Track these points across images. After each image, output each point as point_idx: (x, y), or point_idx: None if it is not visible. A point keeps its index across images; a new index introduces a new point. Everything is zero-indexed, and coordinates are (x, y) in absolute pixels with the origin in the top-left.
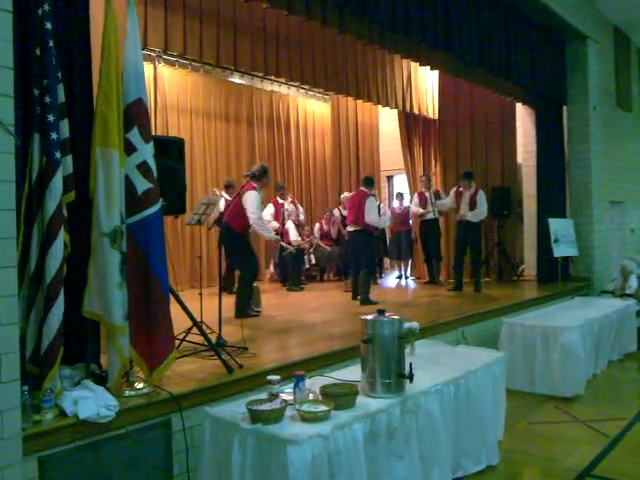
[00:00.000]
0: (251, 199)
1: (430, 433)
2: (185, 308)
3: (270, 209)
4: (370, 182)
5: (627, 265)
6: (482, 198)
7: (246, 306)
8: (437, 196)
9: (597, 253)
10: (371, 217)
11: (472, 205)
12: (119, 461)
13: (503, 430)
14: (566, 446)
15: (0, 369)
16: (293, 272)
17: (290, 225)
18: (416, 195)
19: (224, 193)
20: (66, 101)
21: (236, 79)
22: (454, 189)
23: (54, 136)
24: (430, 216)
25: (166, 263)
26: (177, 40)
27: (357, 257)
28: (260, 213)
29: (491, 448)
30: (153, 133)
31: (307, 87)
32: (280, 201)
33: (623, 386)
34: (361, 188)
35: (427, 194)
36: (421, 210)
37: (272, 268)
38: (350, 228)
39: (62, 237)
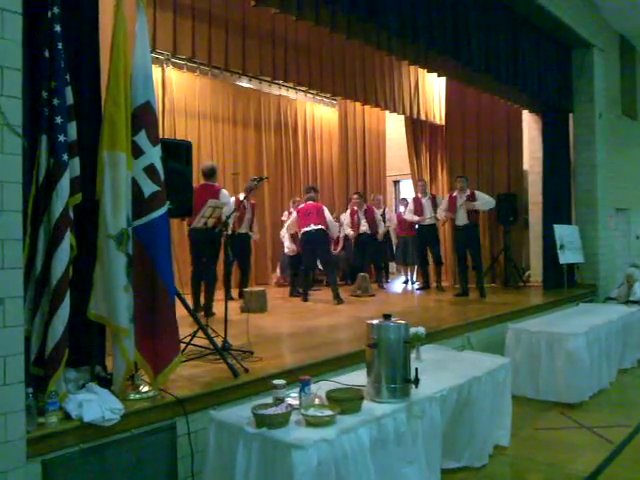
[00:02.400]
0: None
1: (430, 437)
2: (190, 311)
3: None
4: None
5: (632, 273)
6: (480, 194)
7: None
8: (434, 202)
9: (602, 260)
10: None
11: (469, 209)
12: (123, 465)
13: (509, 436)
14: (571, 452)
15: (5, 371)
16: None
17: (285, 235)
18: (411, 201)
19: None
20: (74, 103)
21: (244, 83)
22: (447, 196)
23: (62, 138)
24: (427, 222)
25: (172, 266)
26: (186, 43)
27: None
28: None
29: (478, 450)
30: (161, 136)
31: (315, 92)
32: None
33: (629, 393)
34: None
35: (423, 200)
36: (416, 218)
37: (278, 272)
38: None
39: (68, 239)
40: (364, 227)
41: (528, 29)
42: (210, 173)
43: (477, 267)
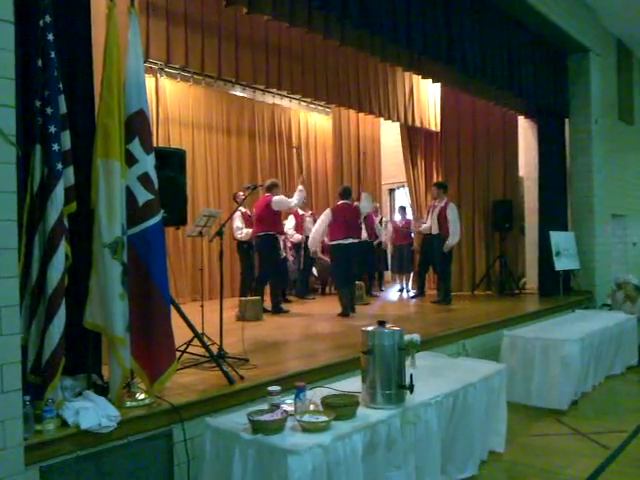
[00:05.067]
0: None
1: (426, 444)
2: (186, 319)
3: (292, 221)
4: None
5: (628, 280)
6: (453, 214)
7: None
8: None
9: (598, 266)
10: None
11: (441, 220)
12: (120, 472)
13: (504, 442)
14: (566, 458)
15: (2, 379)
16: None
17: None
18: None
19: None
20: (67, 112)
21: (238, 92)
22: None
23: (55, 147)
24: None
25: (167, 274)
26: (179, 52)
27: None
28: None
29: (477, 457)
30: (155, 145)
31: (309, 100)
32: (300, 212)
33: (623, 399)
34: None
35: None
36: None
37: None
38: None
39: (63, 248)
40: (364, 234)
41: (523, 34)
42: (270, 187)
43: (440, 273)
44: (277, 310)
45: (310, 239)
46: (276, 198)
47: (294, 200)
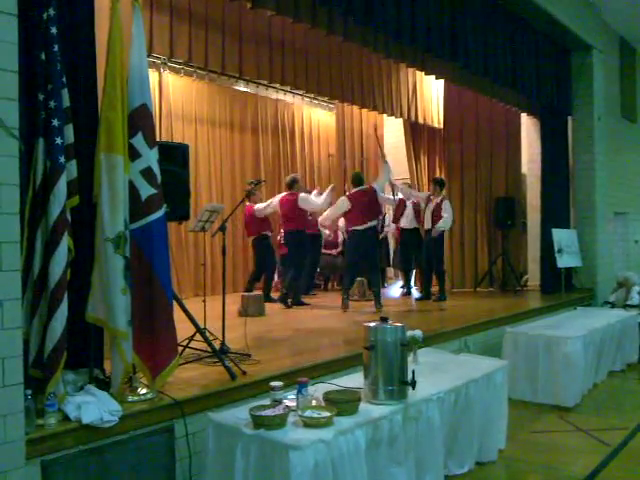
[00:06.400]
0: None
1: (428, 440)
2: (188, 314)
3: None
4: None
5: (630, 277)
6: (446, 206)
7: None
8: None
9: (600, 264)
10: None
11: (435, 216)
12: (122, 466)
13: (505, 439)
14: (568, 455)
15: (3, 373)
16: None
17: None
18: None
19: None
20: (71, 106)
21: (241, 87)
22: (428, 193)
23: (59, 141)
24: (407, 225)
25: (169, 268)
26: (182, 47)
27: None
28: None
29: (479, 452)
30: (157, 140)
31: (312, 95)
32: None
33: (624, 396)
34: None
35: (407, 202)
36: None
37: (276, 277)
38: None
39: (66, 242)
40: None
41: (527, 31)
42: (290, 183)
43: (435, 271)
44: (281, 301)
45: (323, 218)
46: (303, 196)
47: (320, 200)
